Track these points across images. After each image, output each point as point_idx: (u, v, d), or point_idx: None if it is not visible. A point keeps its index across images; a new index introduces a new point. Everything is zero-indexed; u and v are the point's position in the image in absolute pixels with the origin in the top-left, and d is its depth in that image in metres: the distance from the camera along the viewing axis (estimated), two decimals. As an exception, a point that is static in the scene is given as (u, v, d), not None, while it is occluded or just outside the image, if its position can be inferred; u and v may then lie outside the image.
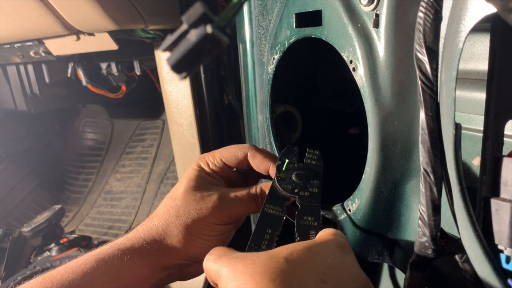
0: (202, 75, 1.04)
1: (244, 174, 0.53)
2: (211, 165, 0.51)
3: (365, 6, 0.44)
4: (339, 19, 0.47)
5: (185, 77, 0.26)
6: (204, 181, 0.49)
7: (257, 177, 0.53)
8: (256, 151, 0.51)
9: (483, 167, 0.38)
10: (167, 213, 0.48)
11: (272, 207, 0.45)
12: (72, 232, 1.79)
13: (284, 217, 0.44)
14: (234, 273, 0.33)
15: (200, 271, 0.49)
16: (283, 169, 0.48)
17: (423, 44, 0.35)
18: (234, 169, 0.52)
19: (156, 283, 0.48)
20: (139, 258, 0.46)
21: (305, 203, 0.45)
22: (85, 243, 1.41)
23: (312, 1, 0.51)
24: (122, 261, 0.45)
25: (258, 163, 0.50)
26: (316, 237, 0.40)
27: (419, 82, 0.36)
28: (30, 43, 1.16)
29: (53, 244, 1.37)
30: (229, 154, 0.51)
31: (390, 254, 0.49)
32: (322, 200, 0.46)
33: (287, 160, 0.49)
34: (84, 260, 0.44)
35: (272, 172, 0.49)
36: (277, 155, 0.62)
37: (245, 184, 0.53)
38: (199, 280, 1.11)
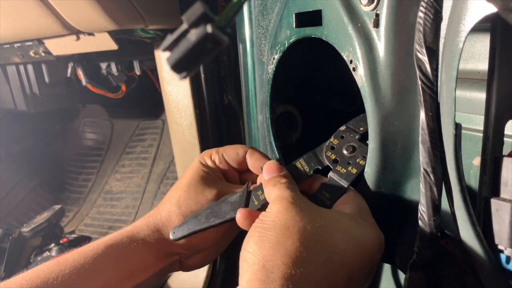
0: (202, 75, 1.04)
1: (241, 174, 0.54)
2: (213, 158, 0.53)
3: (365, 6, 0.44)
4: (339, 19, 0.47)
5: (185, 77, 0.26)
6: (206, 175, 0.51)
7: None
8: (255, 151, 0.52)
9: (483, 167, 0.38)
10: (170, 203, 0.50)
11: (303, 164, 0.46)
12: (72, 232, 1.79)
13: (306, 177, 0.45)
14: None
15: (198, 264, 0.52)
16: (340, 136, 0.47)
17: (423, 44, 0.35)
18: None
19: (159, 272, 0.50)
20: (145, 246, 0.48)
21: (334, 179, 0.44)
22: (85, 243, 1.41)
23: (312, 1, 0.51)
24: (129, 248, 0.47)
25: (254, 162, 0.52)
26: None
27: (419, 82, 0.36)
28: (30, 43, 1.16)
29: (53, 244, 1.36)
30: (230, 151, 0.53)
31: (390, 254, 0.49)
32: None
33: (344, 127, 0.48)
34: (95, 245, 0.48)
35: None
36: (277, 155, 0.62)
37: (241, 183, 0.54)
38: (199, 280, 1.10)
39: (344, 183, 0.43)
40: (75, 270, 0.45)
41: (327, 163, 0.45)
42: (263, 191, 0.45)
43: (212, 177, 0.52)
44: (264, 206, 0.44)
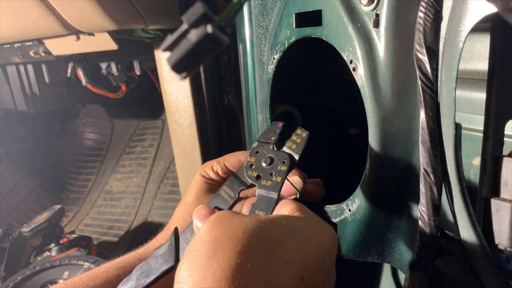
0: (202, 75, 1.04)
1: None
2: (215, 169, 0.51)
3: (365, 6, 0.44)
4: (339, 19, 0.47)
5: (185, 77, 0.26)
6: (212, 187, 0.50)
7: None
8: None
9: (483, 167, 0.38)
10: (182, 219, 0.48)
11: (227, 191, 0.44)
12: (72, 232, 1.79)
13: (232, 203, 0.44)
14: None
15: None
16: (255, 152, 0.46)
17: (423, 44, 0.35)
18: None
19: None
20: None
21: (262, 194, 0.42)
22: (85, 243, 1.41)
23: (312, 1, 0.51)
24: None
25: None
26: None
27: (419, 82, 0.36)
28: (30, 43, 1.16)
29: (53, 244, 1.37)
30: (232, 159, 0.51)
31: (390, 254, 0.49)
32: (323, 200, 0.45)
33: (256, 143, 0.46)
34: (106, 268, 0.46)
35: None
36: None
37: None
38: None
39: (274, 194, 0.42)
40: None
41: (250, 182, 0.44)
42: (192, 232, 0.43)
43: (217, 188, 0.50)
44: None
